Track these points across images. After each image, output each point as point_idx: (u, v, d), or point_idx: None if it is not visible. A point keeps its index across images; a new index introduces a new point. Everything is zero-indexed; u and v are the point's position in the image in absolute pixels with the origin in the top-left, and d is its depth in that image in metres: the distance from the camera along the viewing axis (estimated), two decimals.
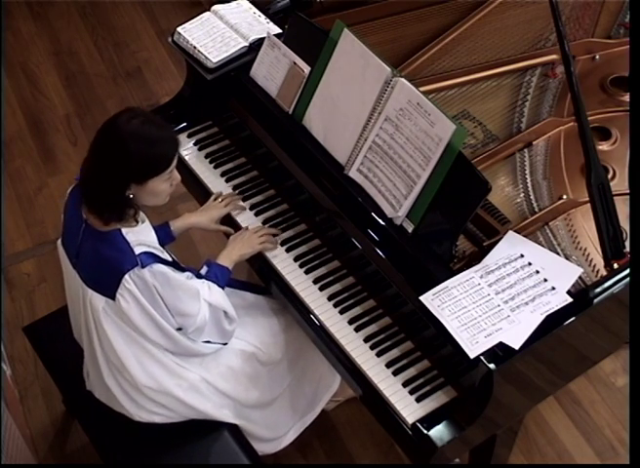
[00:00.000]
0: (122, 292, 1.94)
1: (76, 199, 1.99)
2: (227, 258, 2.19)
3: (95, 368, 2.16)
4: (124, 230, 1.94)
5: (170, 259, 2.02)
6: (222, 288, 2.13)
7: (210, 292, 2.08)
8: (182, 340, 2.06)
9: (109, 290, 1.95)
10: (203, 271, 2.15)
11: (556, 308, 1.83)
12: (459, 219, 1.92)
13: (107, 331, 2.02)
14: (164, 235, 2.26)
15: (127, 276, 1.91)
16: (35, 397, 2.80)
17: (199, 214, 2.32)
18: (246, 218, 2.32)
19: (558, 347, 1.90)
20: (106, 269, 1.95)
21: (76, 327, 2.24)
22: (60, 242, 2.10)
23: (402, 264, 2.00)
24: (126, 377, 2.09)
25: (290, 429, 2.43)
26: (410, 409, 1.94)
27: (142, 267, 1.91)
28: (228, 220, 2.34)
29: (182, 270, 2.06)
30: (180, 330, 2.05)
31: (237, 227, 2.32)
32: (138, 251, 1.92)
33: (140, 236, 1.96)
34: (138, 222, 1.99)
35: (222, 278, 2.15)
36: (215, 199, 2.35)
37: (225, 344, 2.16)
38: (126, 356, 2.05)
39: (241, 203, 2.35)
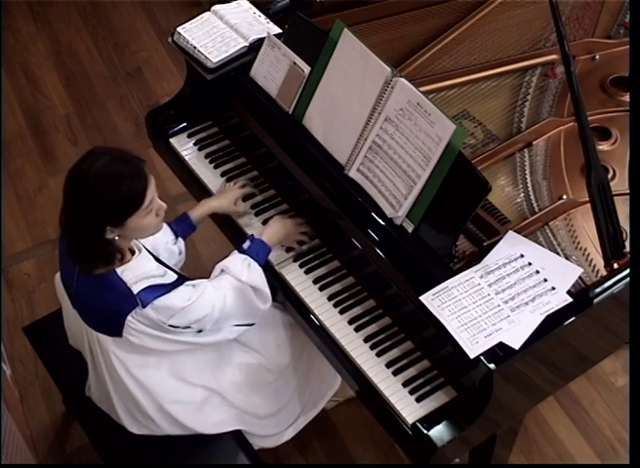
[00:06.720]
0: (128, 330, 1.93)
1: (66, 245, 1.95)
2: (269, 240, 2.15)
3: (100, 387, 2.16)
4: (119, 270, 1.88)
5: (173, 278, 1.95)
6: (261, 266, 2.10)
7: (249, 271, 2.05)
8: (204, 339, 2.04)
9: (114, 331, 1.95)
10: (245, 245, 2.12)
11: (556, 308, 1.83)
12: (459, 219, 1.92)
13: (117, 367, 2.02)
14: (185, 227, 2.23)
15: (129, 317, 1.90)
16: (35, 397, 2.80)
17: (217, 199, 2.30)
18: (246, 218, 2.32)
19: (558, 347, 1.90)
20: (107, 312, 1.93)
21: (75, 340, 2.23)
22: (58, 277, 2.08)
23: (402, 264, 2.00)
24: (133, 403, 2.10)
25: (290, 426, 2.42)
26: (410, 410, 1.94)
27: (144, 306, 1.88)
28: (230, 221, 2.34)
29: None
30: (200, 331, 2.03)
31: (238, 228, 2.32)
32: (136, 289, 1.87)
33: (137, 270, 1.90)
34: (134, 254, 1.94)
35: (262, 255, 2.11)
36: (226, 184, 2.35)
37: (252, 325, 2.12)
38: (134, 387, 2.06)
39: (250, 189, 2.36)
